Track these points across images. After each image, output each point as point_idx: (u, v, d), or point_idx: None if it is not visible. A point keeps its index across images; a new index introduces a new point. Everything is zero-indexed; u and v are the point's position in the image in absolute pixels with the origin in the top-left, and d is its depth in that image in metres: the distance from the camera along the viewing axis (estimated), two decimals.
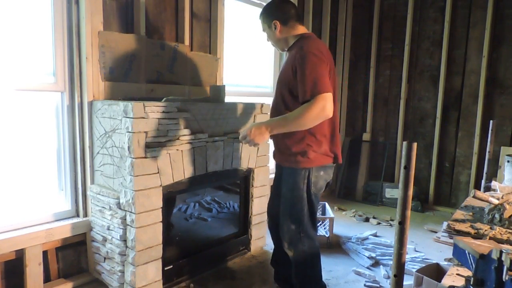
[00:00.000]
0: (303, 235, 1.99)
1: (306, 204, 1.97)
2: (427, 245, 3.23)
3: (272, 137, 1.94)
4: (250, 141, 1.82)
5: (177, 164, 2.23)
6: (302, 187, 1.94)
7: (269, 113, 2.17)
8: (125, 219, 2.12)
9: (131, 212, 2.07)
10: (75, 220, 2.34)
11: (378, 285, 2.53)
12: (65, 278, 2.31)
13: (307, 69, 1.77)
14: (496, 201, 1.85)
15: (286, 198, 2.01)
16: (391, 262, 2.10)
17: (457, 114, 4.19)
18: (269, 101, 2.56)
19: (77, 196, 2.38)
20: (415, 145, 1.11)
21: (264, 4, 3.61)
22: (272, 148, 2.22)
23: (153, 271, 2.19)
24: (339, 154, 2.05)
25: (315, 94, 1.73)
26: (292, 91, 1.89)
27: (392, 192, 4.44)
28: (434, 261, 2.54)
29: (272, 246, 2.40)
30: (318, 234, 3.18)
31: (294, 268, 2.06)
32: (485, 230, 1.63)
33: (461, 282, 1.30)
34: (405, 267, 1.22)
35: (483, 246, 1.18)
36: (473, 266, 1.16)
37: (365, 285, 2.53)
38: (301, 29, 1.99)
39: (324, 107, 1.73)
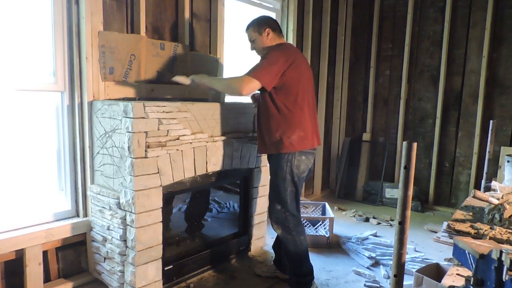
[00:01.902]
0: (288, 213, 2.27)
1: (290, 186, 2.25)
2: (427, 245, 3.23)
3: (260, 132, 2.31)
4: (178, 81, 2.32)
5: (177, 164, 2.23)
6: (285, 169, 2.23)
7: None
8: (125, 219, 2.12)
9: (131, 212, 2.07)
10: (75, 220, 2.34)
11: (378, 285, 2.53)
12: (65, 278, 2.31)
13: (262, 60, 2.20)
14: (496, 201, 1.85)
15: (272, 181, 2.31)
16: (391, 262, 2.11)
17: (457, 114, 4.19)
18: None
19: (77, 196, 2.38)
20: (415, 145, 1.11)
21: (265, 4, 3.66)
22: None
23: (153, 271, 2.19)
24: (317, 139, 2.36)
25: (247, 74, 2.11)
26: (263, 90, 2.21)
27: (392, 192, 4.44)
28: (434, 261, 2.54)
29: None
30: (318, 234, 3.19)
31: (283, 246, 2.35)
32: (485, 230, 1.63)
33: (461, 282, 1.30)
34: (405, 267, 1.22)
35: (483, 246, 1.19)
36: (473, 266, 1.16)
37: (365, 285, 2.53)
38: (283, 40, 2.39)
39: (241, 83, 2.09)
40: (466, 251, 1.21)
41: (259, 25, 2.31)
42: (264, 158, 2.89)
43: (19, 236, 2.06)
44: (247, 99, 2.83)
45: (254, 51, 2.40)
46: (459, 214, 1.91)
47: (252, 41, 2.35)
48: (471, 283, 1.14)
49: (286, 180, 2.24)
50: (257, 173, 2.85)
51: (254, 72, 2.10)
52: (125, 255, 2.14)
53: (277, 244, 2.56)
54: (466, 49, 4.07)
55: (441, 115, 4.23)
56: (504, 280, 1.03)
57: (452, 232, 1.67)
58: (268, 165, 2.40)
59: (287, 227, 2.28)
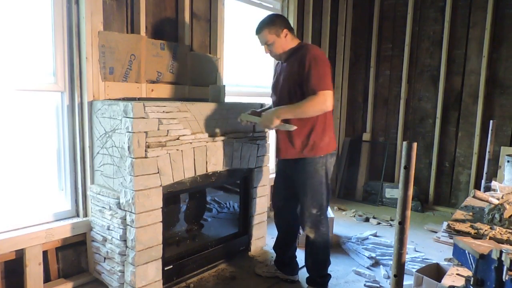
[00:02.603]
0: (323, 217, 2.28)
1: (325, 189, 2.25)
2: (427, 245, 3.23)
3: (284, 135, 2.22)
4: (264, 128, 2.18)
5: (177, 164, 2.23)
6: (321, 173, 2.22)
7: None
8: (125, 219, 2.12)
9: (131, 212, 2.07)
10: (75, 220, 2.34)
11: (378, 285, 2.53)
12: (65, 278, 2.31)
13: (315, 69, 2.06)
14: (496, 201, 1.85)
15: (307, 186, 2.23)
16: (391, 262, 2.11)
17: (457, 114, 4.19)
18: (269, 101, 2.56)
19: (77, 196, 2.38)
20: (415, 145, 1.11)
21: (265, 4, 3.66)
22: (273, 147, 2.35)
23: (153, 271, 2.19)
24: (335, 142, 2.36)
25: (319, 89, 2.03)
26: (301, 88, 2.12)
27: (392, 192, 4.44)
28: (434, 261, 2.54)
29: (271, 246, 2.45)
30: None
31: (312, 248, 2.34)
32: (485, 230, 1.63)
33: (461, 282, 1.30)
34: (405, 267, 1.22)
35: (483, 246, 1.19)
36: (473, 266, 1.16)
37: (365, 285, 2.53)
38: (298, 40, 2.27)
39: (325, 101, 2.04)
40: (466, 251, 1.21)
41: (276, 27, 2.16)
42: (264, 158, 2.89)
43: (19, 236, 2.06)
44: (247, 99, 2.83)
45: (269, 54, 2.26)
46: (459, 214, 1.91)
47: (268, 44, 2.19)
48: (471, 283, 1.14)
49: (323, 183, 2.23)
50: (257, 173, 2.85)
51: (323, 85, 2.05)
52: (125, 255, 2.14)
53: (278, 245, 2.56)
54: (466, 49, 4.07)
55: (441, 115, 4.23)
56: (504, 280, 1.03)
57: (452, 232, 1.67)
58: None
59: (321, 230, 2.28)
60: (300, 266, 2.60)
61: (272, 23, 2.17)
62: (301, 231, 2.47)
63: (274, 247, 2.62)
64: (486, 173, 2.88)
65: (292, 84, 2.15)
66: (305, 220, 2.27)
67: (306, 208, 2.26)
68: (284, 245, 2.53)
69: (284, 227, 2.51)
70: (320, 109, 2.06)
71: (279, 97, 2.26)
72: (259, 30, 2.20)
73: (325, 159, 2.22)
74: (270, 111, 2.14)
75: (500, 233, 1.59)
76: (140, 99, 2.46)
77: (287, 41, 2.19)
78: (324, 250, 2.33)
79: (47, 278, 2.24)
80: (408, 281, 2.14)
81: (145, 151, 2.05)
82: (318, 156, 2.20)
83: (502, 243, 1.46)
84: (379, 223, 3.79)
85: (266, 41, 2.18)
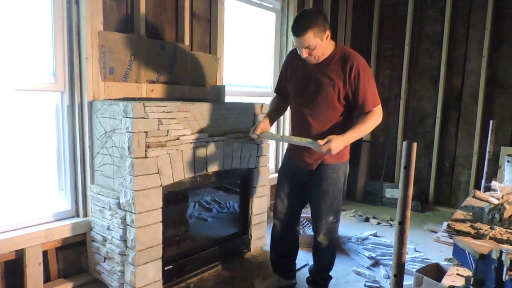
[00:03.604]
0: (338, 224, 2.23)
1: (343, 195, 2.20)
2: (427, 245, 3.23)
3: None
4: (327, 152, 1.90)
5: (177, 164, 2.23)
6: (342, 180, 2.16)
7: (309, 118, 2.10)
8: (125, 219, 2.12)
9: (131, 212, 2.07)
10: (75, 220, 2.34)
11: (378, 285, 2.53)
12: (65, 278, 2.31)
13: (369, 84, 1.99)
14: (496, 201, 1.85)
15: (328, 194, 2.12)
16: (391, 262, 2.11)
17: (457, 114, 4.19)
18: (268, 101, 2.55)
19: (77, 196, 2.38)
20: (415, 145, 1.11)
21: (265, 4, 3.66)
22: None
23: (153, 271, 2.19)
24: None
25: (375, 105, 2.00)
26: (340, 99, 2.00)
27: (392, 192, 4.44)
28: (434, 261, 2.54)
29: None
30: None
31: (321, 254, 2.25)
32: (485, 230, 1.63)
33: (461, 282, 1.30)
34: (405, 267, 1.22)
35: (483, 246, 1.19)
36: (473, 266, 1.16)
37: (365, 285, 2.53)
38: (331, 40, 2.02)
39: (380, 116, 2.03)
40: (466, 251, 1.21)
41: (320, 28, 1.87)
42: (264, 158, 2.89)
43: (19, 236, 2.06)
44: (247, 99, 2.83)
45: (307, 57, 1.96)
46: (459, 214, 1.91)
47: (310, 48, 1.91)
48: (471, 283, 1.14)
49: (342, 191, 2.19)
50: (257, 173, 2.85)
51: (377, 100, 2.02)
52: (125, 255, 2.14)
53: (278, 254, 2.43)
54: (466, 49, 4.07)
55: (441, 115, 4.23)
56: (504, 280, 1.03)
57: (452, 232, 1.67)
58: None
59: (334, 237, 2.23)
60: (299, 267, 2.60)
61: (317, 24, 1.86)
62: (301, 231, 2.45)
63: (271, 256, 2.45)
64: (486, 173, 2.88)
65: (332, 94, 1.99)
66: (321, 227, 2.18)
67: (324, 216, 2.16)
68: (283, 252, 2.41)
69: (289, 237, 2.37)
70: (376, 124, 2.03)
71: (313, 104, 2.05)
72: (302, 32, 1.85)
73: (346, 165, 2.18)
74: (340, 140, 1.88)
75: (500, 233, 1.60)
76: (140, 99, 2.46)
77: (328, 44, 1.96)
78: (332, 255, 2.29)
79: (47, 278, 2.24)
80: (408, 281, 2.14)
81: (145, 151, 2.05)
82: (342, 162, 2.14)
83: (502, 243, 1.46)
84: (379, 223, 3.79)
85: (309, 46, 1.89)
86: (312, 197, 2.21)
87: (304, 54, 1.94)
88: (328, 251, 2.24)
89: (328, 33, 1.92)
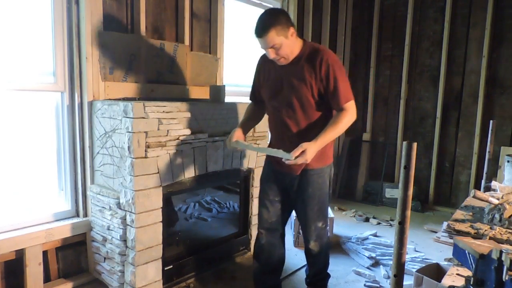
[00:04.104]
0: (327, 228, 2.17)
1: (329, 199, 2.12)
2: (427, 245, 3.23)
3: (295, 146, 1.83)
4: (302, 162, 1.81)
5: (177, 164, 2.23)
6: (327, 183, 2.06)
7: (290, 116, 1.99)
8: (125, 219, 2.12)
9: (131, 212, 2.07)
10: (75, 220, 2.34)
11: (378, 285, 2.53)
12: (65, 278, 2.31)
13: (341, 79, 1.87)
14: (496, 201, 1.85)
15: (315, 199, 2.04)
16: (391, 262, 2.10)
17: (457, 114, 4.19)
18: None
19: (77, 196, 2.38)
20: (415, 145, 1.11)
21: (265, 4, 3.65)
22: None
23: (153, 271, 2.19)
24: None
25: (347, 100, 1.89)
26: (314, 97, 1.92)
27: (392, 192, 4.44)
28: (434, 261, 2.54)
29: None
30: None
31: (314, 259, 2.20)
32: (485, 230, 1.63)
33: (461, 282, 1.30)
34: (405, 267, 1.22)
35: (483, 246, 1.19)
36: (473, 266, 1.16)
37: (365, 285, 2.53)
38: (299, 38, 1.94)
39: (354, 113, 1.93)
40: (466, 251, 1.21)
41: (283, 26, 1.80)
42: (264, 158, 2.88)
43: (19, 236, 2.06)
44: (247, 99, 2.82)
45: (275, 58, 1.87)
46: (459, 214, 1.91)
47: (275, 48, 1.82)
48: (471, 283, 1.14)
49: (328, 194, 2.09)
50: (257, 173, 2.85)
51: (350, 96, 1.91)
52: (125, 255, 2.14)
53: (263, 272, 2.23)
54: (466, 49, 4.07)
55: (441, 115, 4.23)
56: (504, 280, 1.03)
57: (452, 232, 1.67)
58: (266, 179, 2.15)
59: (324, 241, 2.16)
60: (298, 267, 2.59)
61: (278, 22, 1.79)
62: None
63: (256, 276, 2.24)
64: (486, 173, 2.88)
65: (306, 93, 1.90)
66: (310, 234, 2.10)
67: (312, 222, 2.07)
68: (274, 268, 2.24)
69: (276, 248, 2.20)
70: (350, 124, 1.93)
71: (288, 106, 1.95)
72: (264, 32, 1.78)
73: (330, 168, 2.08)
74: (313, 147, 1.79)
75: (500, 233, 1.60)
76: (140, 99, 2.46)
77: (294, 42, 1.87)
78: (326, 258, 2.25)
79: (47, 278, 2.24)
80: (408, 281, 2.14)
81: (145, 151, 2.05)
82: (327, 165, 2.04)
83: (502, 243, 1.46)
84: (379, 223, 3.79)
85: (273, 45, 1.81)
86: (298, 203, 2.10)
87: (271, 55, 1.85)
88: (321, 256, 2.18)
89: (292, 30, 1.84)
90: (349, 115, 1.89)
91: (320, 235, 2.12)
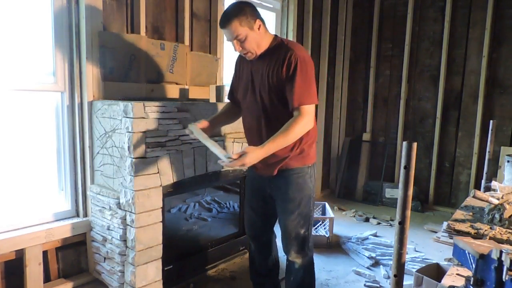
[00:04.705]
0: (310, 237, 1.95)
1: (312, 204, 1.94)
2: (427, 245, 3.23)
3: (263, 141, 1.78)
4: (241, 166, 1.72)
5: (177, 164, 2.23)
6: (310, 185, 1.90)
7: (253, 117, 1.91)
8: (125, 219, 2.12)
9: (131, 212, 2.07)
10: (75, 220, 2.34)
11: (378, 285, 2.53)
12: (65, 278, 2.31)
13: (300, 75, 1.72)
14: (496, 201, 1.85)
15: (295, 202, 1.87)
16: (391, 262, 2.10)
17: (457, 114, 4.19)
18: None
19: (77, 196, 2.38)
20: (415, 145, 1.11)
21: (265, 4, 3.66)
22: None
23: (153, 271, 2.19)
24: None
25: (303, 103, 1.72)
26: (279, 95, 1.79)
27: (392, 192, 4.44)
28: (434, 261, 2.54)
29: None
30: (318, 234, 3.19)
31: (296, 276, 1.97)
32: (485, 230, 1.63)
33: (461, 282, 1.30)
34: (405, 267, 1.22)
35: (483, 246, 1.19)
36: (473, 266, 1.16)
37: (365, 285, 2.53)
38: (272, 34, 1.86)
39: (309, 121, 1.75)
40: (466, 251, 1.21)
41: (247, 17, 1.73)
42: None
43: (19, 236, 2.07)
44: None
45: (240, 51, 1.81)
46: (459, 214, 1.91)
47: (239, 39, 1.75)
48: (471, 283, 1.14)
49: (311, 198, 1.91)
50: None
51: (307, 98, 1.73)
52: (125, 255, 2.14)
53: (258, 274, 2.18)
54: (466, 49, 4.07)
55: (441, 115, 4.23)
56: (504, 280, 1.03)
57: (452, 232, 1.67)
58: (248, 184, 2.07)
59: (308, 253, 1.95)
60: None
61: (242, 13, 1.73)
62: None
63: (253, 277, 2.21)
64: (486, 173, 2.87)
65: (270, 91, 1.80)
66: (291, 243, 1.90)
67: (292, 229, 1.88)
68: (269, 274, 2.18)
69: (266, 255, 2.14)
70: (304, 132, 1.76)
71: (256, 105, 1.87)
72: (226, 22, 1.73)
73: (312, 169, 1.92)
74: (257, 153, 1.68)
75: (500, 233, 1.59)
76: (140, 99, 2.46)
77: (261, 35, 1.78)
78: (310, 276, 1.99)
79: (47, 278, 2.24)
80: (408, 281, 2.14)
81: (145, 151, 2.05)
82: (307, 165, 1.88)
83: (502, 243, 1.46)
84: (379, 223, 3.79)
85: (237, 36, 1.74)
86: (278, 207, 1.94)
87: (236, 47, 1.78)
88: (304, 272, 1.95)
89: (259, 23, 1.76)
90: (302, 122, 1.71)
91: (302, 245, 1.91)
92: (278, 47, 1.81)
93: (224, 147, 2.50)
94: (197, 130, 1.87)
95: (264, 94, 1.82)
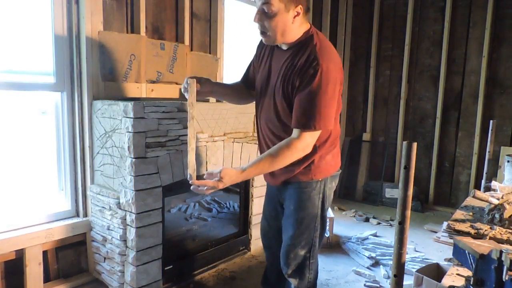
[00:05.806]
0: (312, 261, 1.71)
1: (320, 224, 1.68)
2: (427, 245, 3.23)
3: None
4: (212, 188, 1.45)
5: (177, 164, 2.23)
6: (317, 203, 1.65)
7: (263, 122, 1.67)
8: (125, 219, 2.12)
9: (131, 212, 2.07)
10: (75, 220, 2.34)
11: (378, 285, 2.53)
12: (65, 278, 2.31)
13: (315, 93, 1.44)
14: (496, 201, 1.85)
15: (296, 218, 1.65)
16: (391, 262, 2.10)
17: (457, 114, 4.19)
18: None
19: (77, 196, 2.38)
20: (415, 145, 1.11)
21: None
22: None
23: (153, 271, 2.19)
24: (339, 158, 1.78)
25: (305, 126, 1.46)
26: (291, 103, 1.53)
27: (392, 192, 4.44)
28: (434, 261, 2.54)
29: None
30: None
31: None
32: (485, 230, 1.63)
33: (461, 282, 1.30)
34: (405, 267, 1.22)
35: (483, 246, 1.18)
36: (473, 266, 1.16)
37: (365, 285, 2.53)
38: (307, 23, 1.56)
39: (306, 147, 1.49)
40: (466, 251, 1.21)
41: None
42: None
43: (19, 236, 2.07)
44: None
45: (258, 26, 1.51)
46: (459, 214, 1.91)
47: (267, 12, 1.44)
48: (471, 283, 1.14)
49: (317, 217, 1.66)
50: None
51: (311, 122, 1.45)
52: (125, 255, 2.14)
53: (268, 282, 1.99)
54: (466, 49, 4.07)
55: (441, 115, 4.23)
56: (504, 280, 1.03)
57: (452, 232, 1.67)
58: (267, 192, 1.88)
59: (307, 277, 1.71)
60: None
61: None
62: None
63: (263, 282, 2.02)
64: (486, 173, 2.87)
65: (287, 97, 1.53)
66: (289, 262, 1.68)
67: (291, 247, 1.66)
68: (276, 279, 1.94)
69: (278, 265, 1.82)
70: (296, 158, 1.51)
71: (268, 109, 1.61)
72: None
73: (323, 184, 1.64)
74: (236, 176, 1.46)
75: (500, 233, 1.59)
76: (140, 99, 2.46)
77: (293, 25, 1.48)
78: None
79: (47, 278, 2.24)
80: (408, 281, 2.14)
81: (145, 151, 2.05)
82: (316, 180, 1.62)
83: (502, 243, 1.46)
84: (379, 223, 3.79)
85: (268, 8, 1.43)
86: (283, 221, 1.74)
87: (256, 17, 1.48)
88: None
89: (301, 10, 1.46)
90: (296, 148, 1.47)
91: (301, 267, 1.69)
92: (305, 44, 1.51)
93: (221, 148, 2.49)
94: (192, 87, 1.59)
95: (278, 98, 1.56)
